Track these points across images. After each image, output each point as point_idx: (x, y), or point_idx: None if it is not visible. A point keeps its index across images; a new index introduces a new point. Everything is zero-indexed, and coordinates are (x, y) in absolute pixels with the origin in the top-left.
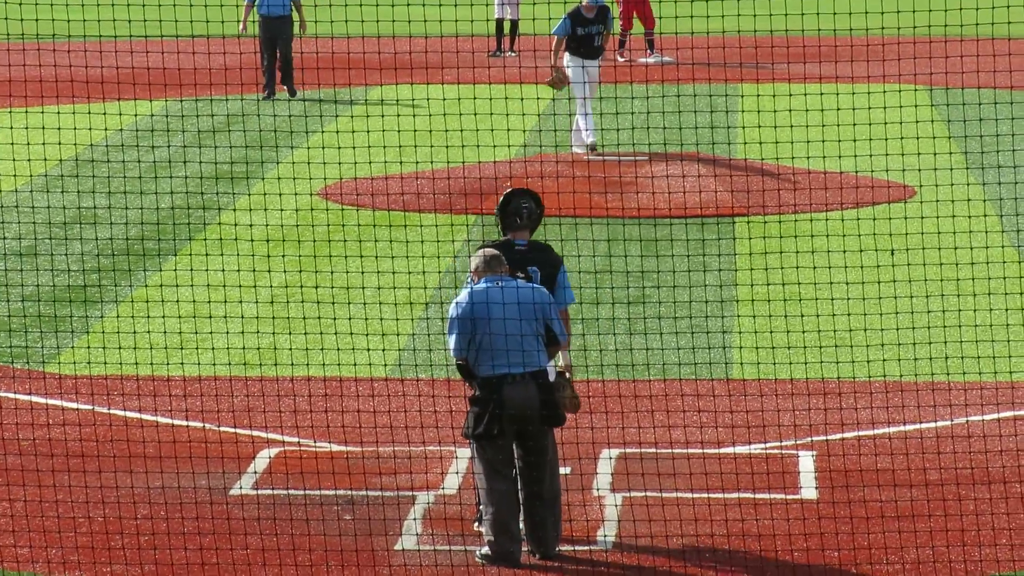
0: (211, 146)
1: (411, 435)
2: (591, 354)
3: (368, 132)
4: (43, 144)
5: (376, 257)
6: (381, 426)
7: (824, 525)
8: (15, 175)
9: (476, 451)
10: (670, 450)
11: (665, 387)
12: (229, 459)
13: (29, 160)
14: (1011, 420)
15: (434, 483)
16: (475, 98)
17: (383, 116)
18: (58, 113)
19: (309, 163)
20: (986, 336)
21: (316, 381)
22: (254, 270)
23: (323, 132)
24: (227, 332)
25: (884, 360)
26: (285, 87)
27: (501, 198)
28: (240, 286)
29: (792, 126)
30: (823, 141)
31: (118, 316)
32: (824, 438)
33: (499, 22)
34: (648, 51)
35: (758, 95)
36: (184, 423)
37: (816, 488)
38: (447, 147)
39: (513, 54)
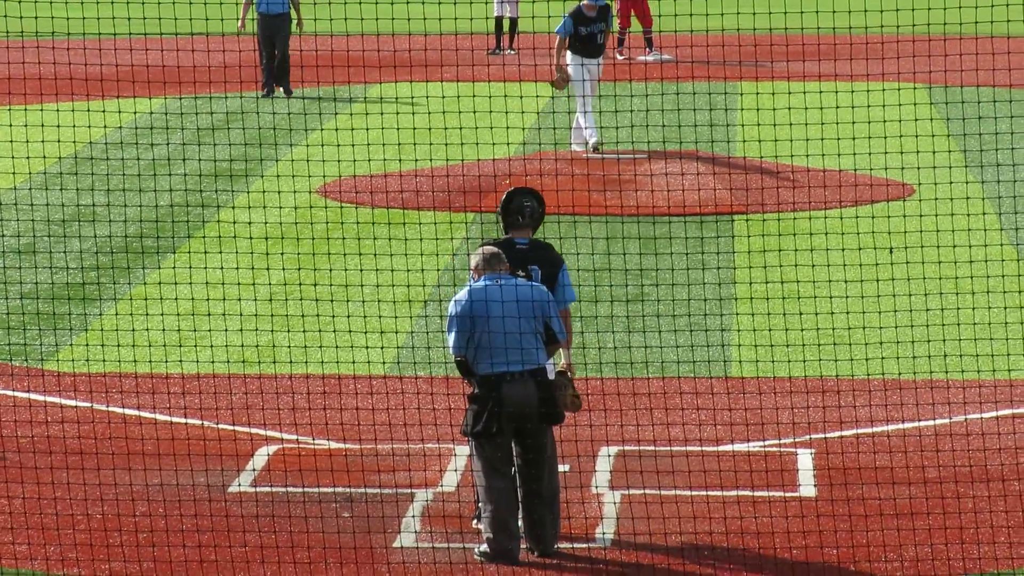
0: (210, 144)
1: (410, 433)
2: (590, 352)
3: (367, 130)
4: (42, 142)
5: (375, 255)
6: (380, 424)
7: (823, 523)
8: (14, 173)
9: (475, 449)
10: (669, 448)
11: (664, 385)
12: (228, 456)
13: (28, 158)
14: (1009, 418)
15: (433, 481)
16: (474, 96)
17: (382, 114)
18: (57, 111)
19: (308, 161)
20: (985, 334)
21: (315, 379)
22: (253, 268)
23: (322, 130)
24: (226, 330)
25: (883, 358)
26: (281, 87)
27: (503, 196)
28: (239, 284)
29: (791, 124)
30: (822, 139)
31: (117, 314)
32: (823, 436)
33: (498, 20)
34: (647, 49)
35: (757, 93)
36: (183, 420)
37: (815, 486)
38: (446, 145)
39: (512, 52)
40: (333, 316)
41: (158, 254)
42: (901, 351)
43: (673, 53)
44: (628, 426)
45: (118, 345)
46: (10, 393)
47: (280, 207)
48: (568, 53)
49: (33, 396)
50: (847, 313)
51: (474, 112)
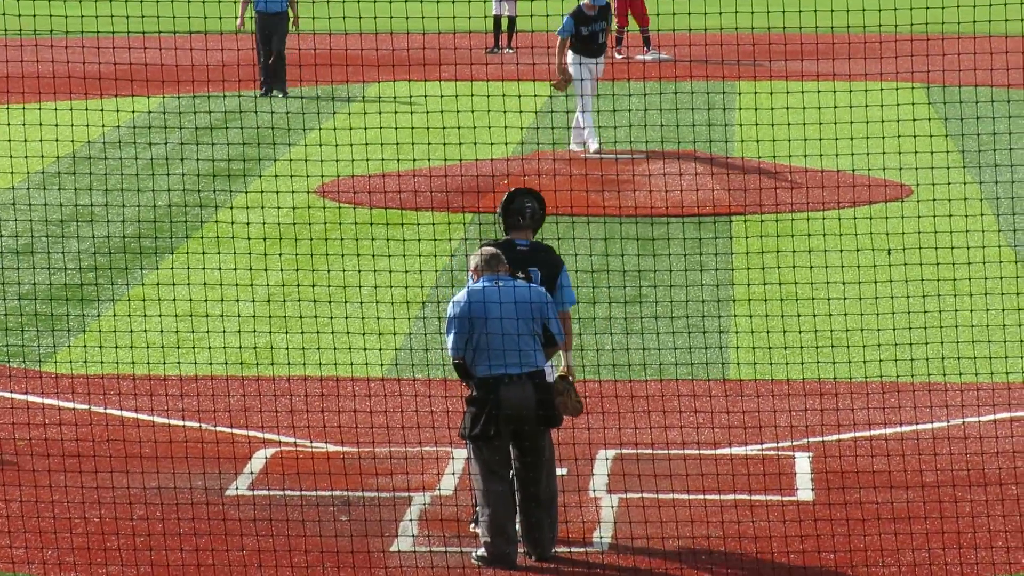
0: (208, 143)
1: (407, 435)
2: (588, 354)
3: (365, 129)
4: (40, 141)
5: (373, 256)
6: (377, 426)
7: (820, 527)
8: (12, 172)
9: (473, 452)
10: (667, 451)
11: (662, 387)
12: (225, 459)
13: (26, 157)
14: (1007, 421)
15: (430, 484)
16: (473, 95)
17: (380, 113)
18: (55, 110)
19: (306, 160)
20: (982, 336)
21: (312, 381)
22: (251, 268)
23: (320, 129)
24: (224, 331)
25: (881, 360)
26: (276, 90)
27: (504, 197)
28: (237, 285)
29: (789, 124)
30: (820, 139)
31: (115, 315)
32: (820, 439)
33: (497, 18)
34: (645, 48)
35: (755, 93)
36: (180, 423)
37: (812, 489)
38: (444, 145)
39: (511, 51)
40: (331, 317)
41: (156, 255)
42: (899, 353)
43: (671, 52)
44: (626, 429)
45: (116, 347)
46: (8, 395)
47: (278, 207)
48: (569, 52)
49: (31, 398)
50: (845, 315)
51: (472, 112)
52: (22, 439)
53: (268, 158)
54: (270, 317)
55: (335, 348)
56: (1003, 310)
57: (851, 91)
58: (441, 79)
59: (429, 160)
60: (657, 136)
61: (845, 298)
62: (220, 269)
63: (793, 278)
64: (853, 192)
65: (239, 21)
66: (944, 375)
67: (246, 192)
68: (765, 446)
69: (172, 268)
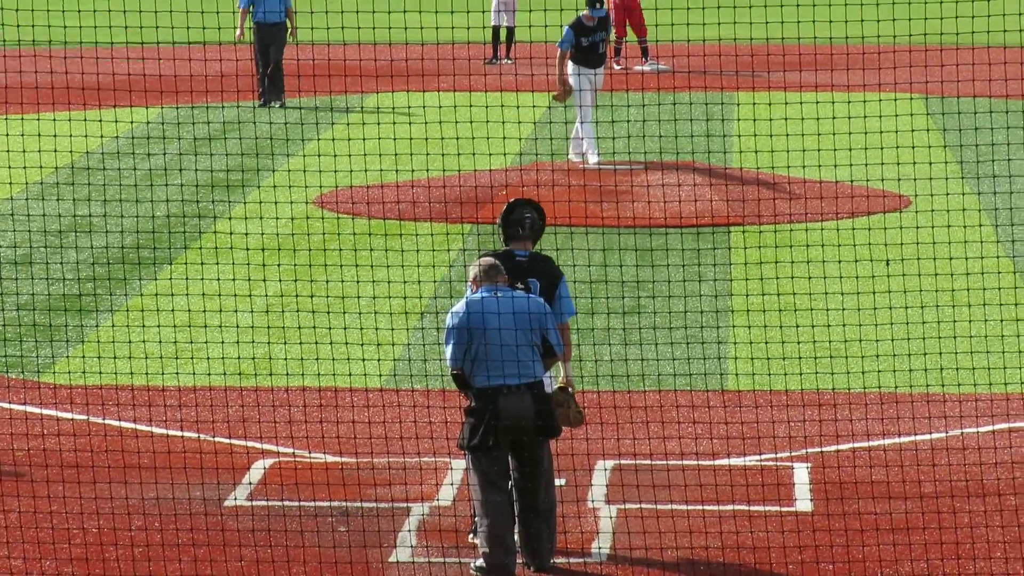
0: (207, 154)
1: (406, 446)
2: (586, 365)
3: (364, 140)
4: (39, 152)
5: (371, 266)
6: (376, 437)
7: (819, 537)
8: (11, 183)
9: (471, 462)
10: (665, 462)
11: (660, 398)
12: (224, 470)
13: (25, 168)
14: (1006, 432)
15: (429, 494)
16: (471, 106)
17: (379, 124)
18: (54, 120)
19: (304, 171)
20: (981, 347)
21: (311, 391)
22: (249, 279)
23: (319, 140)
24: (222, 341)
25: (879, 371)
26: (274, 100)
27: (503, 208)
28: (235, 295)
29: (788, 135)
30: (819, 150)
31: (113, 325)
32: (819, 450)
33: (495, 29)
34: (643, 59)
35: (754, 103)
36: (179, 433)
37: (811, 500)
38: (443, 155)
39: (509, 61)
40: (330, 328)
41: (155, 265)
42: (897, 364)
43: (670, 63)
44: (624, 440)
45: (114, 357)
46: (6, 405)
47: (277, 218)
48: (569, 63)
49: (29, 408)
50: (843, 325)
51: (471, 122)
52: (21, 449)
53: (267, 169)
54: (269, 327)
55: (334, 358)
56: (1001, 321)
57: (850, 102)
58: (440, 89)
59: (428, 171)
60: (656, 147)
61: (844, 309)
62: (219, 279)
63: (792, 289)
64: (852, 203)
65: (238, 32)
66: (943, 386)
67: (245, 203)
68: (764, 457)
69: (171, 278)
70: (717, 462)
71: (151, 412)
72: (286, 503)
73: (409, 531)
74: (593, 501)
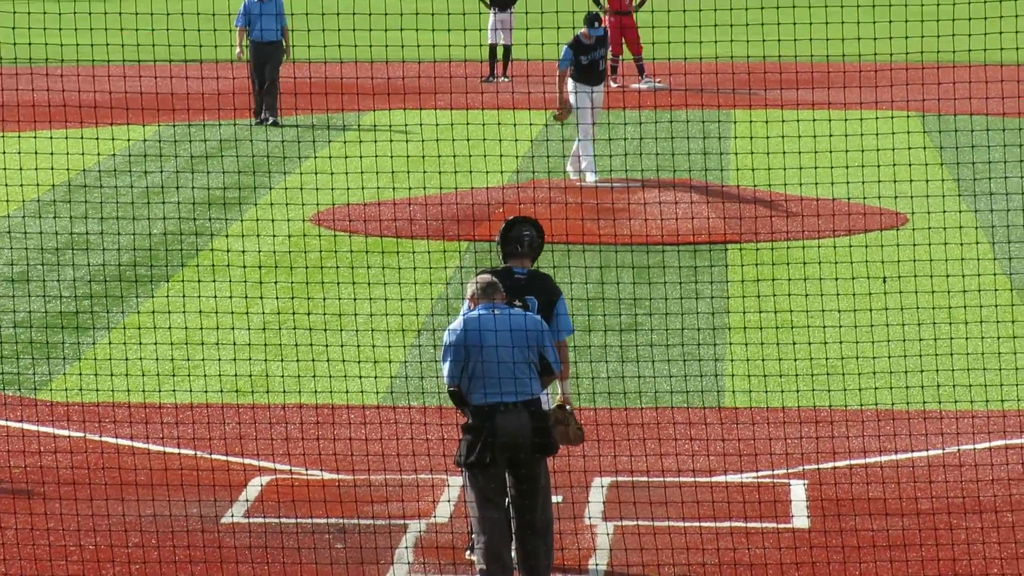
0: (203, 171)
1: (403, 463)
2: (583, 382)
3: (360, 158)
4: (35, 169)
5: (368, 284)
6: (373, 454)
7: (816, 554)
8: (7, 200)
9: (468, 479)
10: (662, 478)
11: (657, 415)
12: (221, 487)
13: (21, 185)
14: (1003, 449)
15: (426, 511)
16: (468, 123)
17: (376, 141)
18: (50, 138)
19: (301, 189)
20: (978, 364)
21: (308, 409)
22: (246, 296)
23: (315, 157)
24: (219, 359)
25: (876, 388)
26: (269, 117)
27: (503, 225)
28: (232, 313)
29: (784, 152)
30: (815, 168)
31: (110, 343)
32: (816, 467)
33: (492, 47)
34: (639, 77)
35: (750, 121)
36: (176, 451)
37: (808, 517)
38: (440, 173)
39: (506, 79)
40: (326, 345)
41: (151, 283)
42: (894, 381)
43: (666, 81)
44: (621, 456)
45: (111, 374)
46: (3, 423)
47: (274, 235)
48: (570, 81)
49: (26, 426)
50: (840, 343)
51: (468, 140)
52: (18, 467)
53: (263, 186)
54: (265, 345)
55: (330, 376)
56: (998, 338)
57: (846, 119)
58: (437, 107)
59: (425, 188)
60: (652, 164)
61: (840, 326)
62: (215, 297)
63: (788, 306)
64: (848, 220)
65: (239, 51)
66: (939, 403)
67: (241, 220)
68: (760, 474)
69: (167, 296)
70: (714, 479)
71: (148, 429)
72: (283, 520)
73: (406, 548)
74: (590, 518)
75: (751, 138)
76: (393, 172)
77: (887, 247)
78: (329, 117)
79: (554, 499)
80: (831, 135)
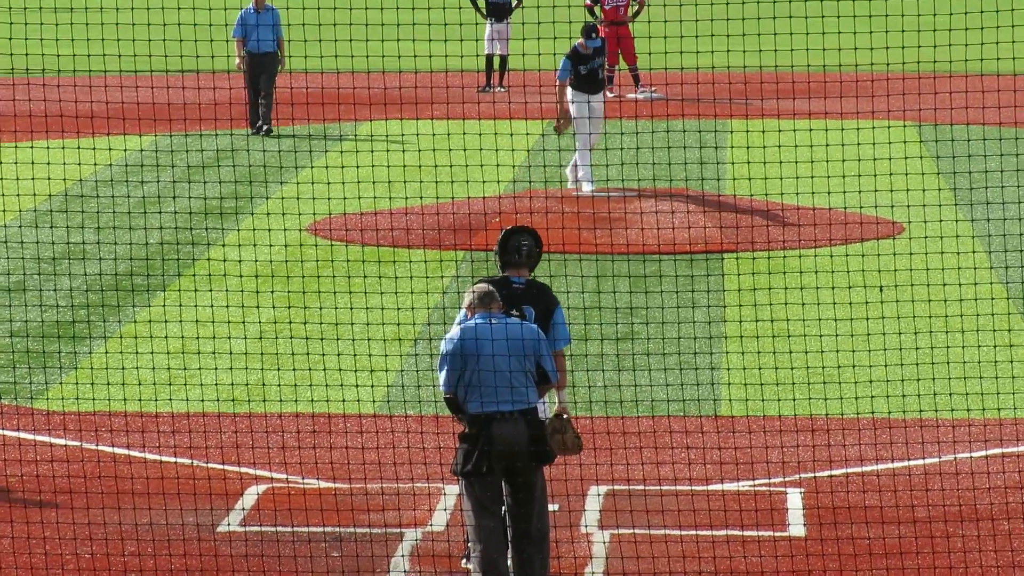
0: (200, 181)
1: (399, 471)
2: (579, 390)
3: (357, 167)
4: (32, 179)
5: (365, 293)
6: (369, 462)
7: (812, 562)
8: (4, 210)
9: (465, 488)
10: (658, 487)
11: (654, 424)
12: (217, 496)
13: (18, 195)
14: (999, 457)
15: (422, 520)
16: (464, 134)
17: (372, 151)
18: (47, 148)
19: (298, 198)
20: (974, 373)
21: (304, 417)
22: (243, 306)
23: (312, 167)
24: (215, 368)
25: (872, 397)
26: (264, 126)
27: (501, 235)
28: (229, 322)
29: (781, 162)
30: (812, 177)
31: (106, 352)
32: (812, 475)
33: (489, 58)
34: (636, 87)
35: (747, 131)
36: (172, 459)
37: (804, 525)
38: (436, 183)
39: (502, 90)
40: (323, 354)
41: (148, 292)
42: (891, 390)
43: (663, 91)
44: (618, 465)
45: (108, 384)
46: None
47: (270, 245)
48: (570, 90)
49: (22, 435)
50: (837, 351)
51: (464, 150)
52: (14, 476)
53: (260, 196)
54: (262, 354)
55: (327, 385)
56: (995, 347)
57: (843, 129)
58: (433, 117)
59: (421, 198)
60: (649, 174)
61: (837, 335)
62: (212, 306)
63: (785, 315)
64: (845, 229)
65: (239, 62)
66: (936, 411)
67: (238, 230)
68: (757, 482)
69: (164, 305)
70: (710, 487)
71: (144, 438)
72: (279, 529)
73: (402, 556)
74: (586, 526)
75: (748, 148)
76: (390, 182)
77: (884, 256)
78: (326, 127)
79: (551, 508)
80: (828, 145)
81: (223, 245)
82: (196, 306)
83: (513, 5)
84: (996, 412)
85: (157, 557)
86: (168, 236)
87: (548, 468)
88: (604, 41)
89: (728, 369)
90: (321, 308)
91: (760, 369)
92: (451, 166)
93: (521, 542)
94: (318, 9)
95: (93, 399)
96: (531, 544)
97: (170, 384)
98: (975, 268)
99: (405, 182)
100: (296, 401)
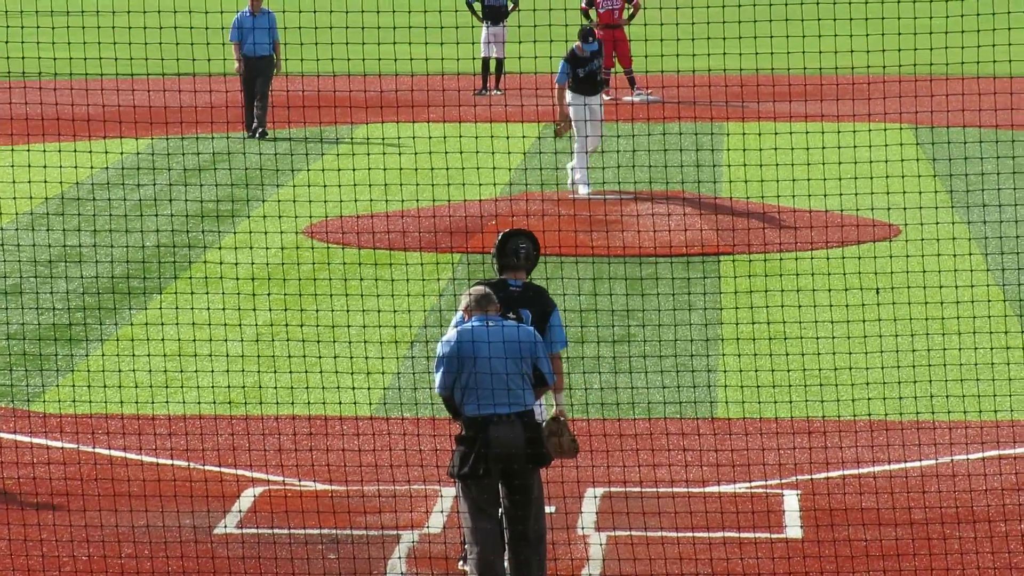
0: (196, 184)
1: (395, 474)
2: (576, 393)
3: (353, 170)
4: (28, 182)
5: (361, 296)
6: (366, 465)
7: (809, 564)
8: (1, 213)
9: (461, 490)
10: (655, 489)
11: (650, 426)
12: (213, 498)
13: (14, 198)
14: (996, 459)
15: (419, 522)
16: (460, 136)
17: (368, 154)
18: (43, 151)
19: (294, 201)
20: (970, 375)
21: (300, 420)
22: (239, 308)
23: (308, 170)
24: (212, 370)
25: (869, 399)
26: (259, 129)
27: (498, 237)
28: (225, 324)
29: (777, 164)
30: (808, 180)
31: (103, 354)
32: (809, 477)
33: (485, 60)
34: (631, 89)
35: (743, 133)
36: (168, 462)
37: (801, 527)
38: (432, 185)
39: (499, 92)
40: (319, 357)
41: (144, 295)
42: (887, 392)
43: (659, 93)
44: (614, 467)
45: (104, 386)
46: None
47: (266, 248)
48: (569, 93)
49: (19, 437)
50: (833, 354)
51: (460, 152)
52: (11, 478)
53: (256, 199)
54: (258, 356)
55: (323, 387)
56: (991, 349)
57: (839, 132)
58: (429, 120)
59: (418, 201)
60: (645, 176)
61: (833, 337)
62: (208, 309)
63: (781, 317)
64: (841, 232)
65: (238, 66)
66: (932, 413)
67: (234, 232)
68: (754, 484)
69: (160, 308)
70: (707, 489)
71: (141, 441)
72: (276, 531)
73: (399, 559)
74: (583, 528)
75: (744, 150)
76: (385, 185)
77: (880, 258)
78: (322, 130)
79: (547, 509)
80: (824, 147)
81: (220, 248)
82: (193, 309)
83: (509, 8)
84: (992, 414)
85: (154, 559)
86: (165, 239)
87: (545, 470)
88: (601, 44)
89: (725, 371)
90: (317, 311)
91: (757, 371)
92: (447, 169)
93: (518, 544)
94: (314, 12)
95: (90, 401)
96: (528, 546)
97: (167, 386)
98: (971, 270)
99: (401, 185)
100: (293, 403)
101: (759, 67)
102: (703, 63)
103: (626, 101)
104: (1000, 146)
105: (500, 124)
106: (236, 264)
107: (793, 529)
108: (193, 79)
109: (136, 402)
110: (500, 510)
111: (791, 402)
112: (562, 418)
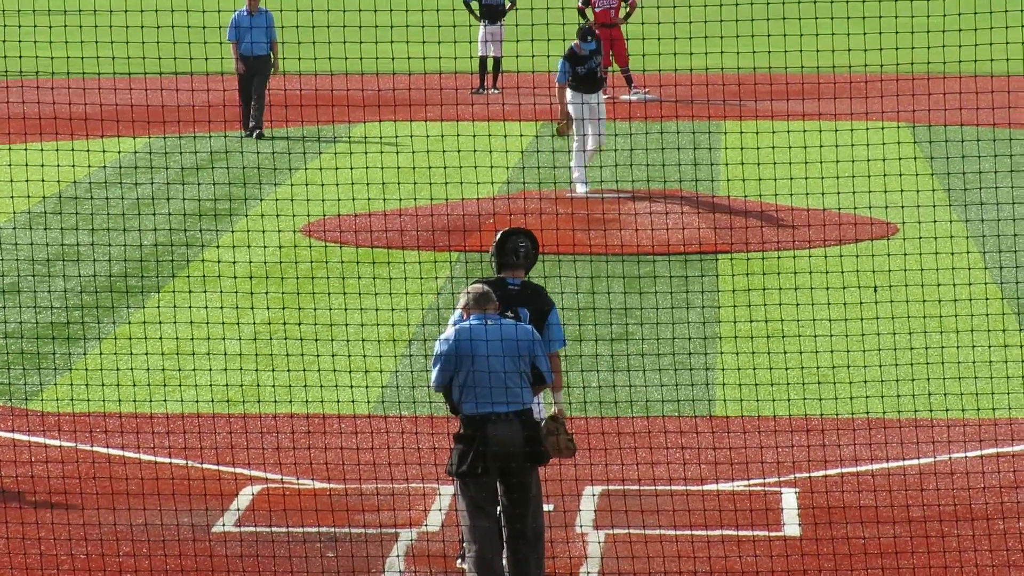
0: (194, 183)
1: (394, 472)
2: (574, 391)
3: (351, 169)
4: (26, 181)
5: (359, 294)
6: (364, 463)
7: (807, 562)
8: None
9: (460, 488)
10: (653, 487)
11: (648, 424)
12: (212, 496)
13: (12, 197)
14: (994, 457)
15: (417, 520)
16: (458, 135)
17: (366, 153)
18: (41, 150)
19: (292, 200)
20: (969, 373)
21: (299, 418)
22: (237, 307)
23: (306, 169)
24: (210, 369)
25: (867, 397)
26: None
27: (497, 236)
28: (223, 323)
29: (775, 163)
30: (806, 178)
31: (101, 353)
32: (807, 475)
33: (482, 59)
34: (629, 88)
35: (741, 132)
36: (167, 460)
37: (799, 525)
38: (430, 184)
39: (496, 91)
40: (317, 355)
41: (142, 293)
42: (885, 390)
43: (656, 92)
44: (612, 465)
45: (102, 384)
46: None
47: (264, 246)
48: (569, 91)
49: (17, 435)
50: (831, 352)
51: (458, 151)
52: (8, 477)
53: (253, 198)
54: (256, 355)
55: (321, 386)
56: (988, 347)
57: (836, 130)
58: (427, 119)
59: (415, 199)
60: (643, 175)
61: (831, 335)
62: (206, 307)
63: (779, 315)
64: (839, 230)
65: (239, 66)
66: (930, 411)
67: (232, 231)
68: (751, 482)
69: (158, 306)
70: (705, 487)
71: (139, 439)
72: (274, 529)
73: (397, 557)
74: (581, 526)
75: (742, 149)
76: (384, 183)
77: (878, 256)
78: (319, 129)
79: (545, 507)
80: (821, 146)
81: (217, 246)
82: (190, 307)
83: (506, 7)
84: (990, 412)
85: (152, 558)
86: (162, 237)
87: (543, 468)
88: (600, 42)
89: (722, 369)
90: (315, 309)
91: (754, 369)
92: (445, 167)
93: (516, 542)
94: (311, 11)
95: (88, 400)
96: (526, 544)
97: (165, 385)
98: (969, 268)
99: (399, 183)
100: (291, 402)
101: (757, 66)
102: (700, 62)
103: (623, 100)
104: (997, 144)
105: (498, 123)
106: (234, 263)
107: (791, 527)
108: (191, 78)
109: (134, 400)
110: (498, 508)
111: (789, 400)
112: (561, 417)
